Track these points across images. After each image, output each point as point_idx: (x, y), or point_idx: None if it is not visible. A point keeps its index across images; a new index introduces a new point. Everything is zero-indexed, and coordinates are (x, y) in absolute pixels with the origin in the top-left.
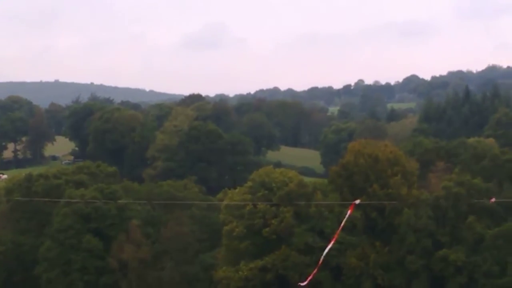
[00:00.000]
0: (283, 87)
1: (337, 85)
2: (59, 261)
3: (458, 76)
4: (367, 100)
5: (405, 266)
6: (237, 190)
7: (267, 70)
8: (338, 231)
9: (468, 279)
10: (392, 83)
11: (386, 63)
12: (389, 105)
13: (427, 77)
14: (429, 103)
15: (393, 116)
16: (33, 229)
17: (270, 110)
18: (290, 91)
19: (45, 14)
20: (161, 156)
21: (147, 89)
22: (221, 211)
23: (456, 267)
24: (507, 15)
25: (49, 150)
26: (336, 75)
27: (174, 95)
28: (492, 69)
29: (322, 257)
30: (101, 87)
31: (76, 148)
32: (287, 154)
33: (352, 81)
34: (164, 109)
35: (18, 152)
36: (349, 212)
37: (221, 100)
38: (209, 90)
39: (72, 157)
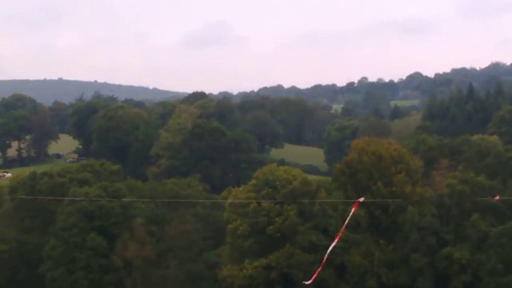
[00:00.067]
0: (286, 84)
1: (341, 82)
2: (64, 259)
3: (461, 73)
4: (370, 97)
5: (409, 264)
6: (241, 188)
7: (270, 68)
8: (342, 229)
9: (472, 277)
10: (396, 80)
11: (389, 60)
12: (392, 103)
13: (430, 74)
14: (432, 100)
15: (397, 113)
16: (37, 227)
17: (274, 108)
18: (293, 89)
19: (48, 12)
20: (165, 154)
21: (151, 87)
22: (225, 209)
23: (460, 265)
24: (511, 12)
25: (53, 148)
26: (340, 72)
27: (177, 93)
28: (495, 66)
29: (326, 255)
30: (105, 85)
31: (80, 146)
32: (291, 152)
33: (355, 79)
34: (167, 107)
35: (22, 151)
36: (353, 210)
37: (225, 97)
38: (212, 87)
39: (76, 155)
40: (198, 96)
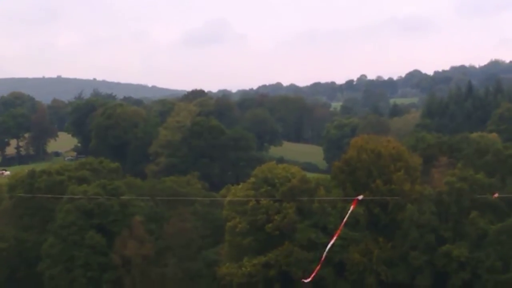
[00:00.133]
0: (285, 82)
1: (340, 80)
2: (62, 257)
3: (460, 71)
4: (369, 95)
5: (409, 261)
6: (240, 186)
7: (269, 66)
8: (341, 227)
9: (471, 275)
10: (395, 78)
11: (388, 58)
12: (391, 100)
13: (429, 72)
14: (432, 98)
15: (396, 111)
16: (36, 225)
17: (273, 106)
18: (292, 87)
19: (47, 11)
20: (164, 152)
21: (150, 85)
22: (224, 207)
23: (459, 263)
24: (510, 10)
25: (52, 146)
26: (339, 70)
27: (176, 90)
28: (495, 64)
29: (325, 253)
30: (104, 83)
31: (79, 144)
32: (290, 149)
33: (354, 77)
34: (166, 105)
35: (21, 149)
36: (352, 207)
37: (224, 95)
38: (211, 85)
39: (74, 153)
40: (197, 94)
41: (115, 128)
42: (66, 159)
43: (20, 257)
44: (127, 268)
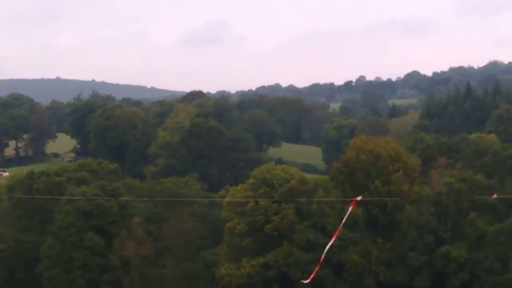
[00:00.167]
0: (284, 83)
1: (339, 81)
2: (61, 258)
3: (459, 72)
4: (368, 96)
5: (407, 262)
6: (238, 187)
7: (268, 67)
8: (340, 228)
9: (470, 276)
10: (394, 79)
11: (387, 59)
12: (390, 101)
13: (428, 73)
14: (430, 99)
15: (395, 112)
16: (34, 226)
17: (272, 107)
18: (291, 88)
19: (46, 11)
20: (163, 153)
21: (149, 86)
22: (223, 208)
23: (458, 264)
24: (509, 11)
25: (51, 147)
26: (337, 71)
27: (175, 92)
28: (493, 65)
29: (324, 253)
30: (103, 84)
31: (78, 145)
32: (289, 150)
33: (353, 78)
34: (165, 106)
35: (20, 150)
36: (350, 208)
37: (223, 96)
38: (210, 86)
39: (73, 155)
40: (196, 95)
41: (114, 129)
42: (65, 160)
43: (19, 258)
44: (126, 269)
